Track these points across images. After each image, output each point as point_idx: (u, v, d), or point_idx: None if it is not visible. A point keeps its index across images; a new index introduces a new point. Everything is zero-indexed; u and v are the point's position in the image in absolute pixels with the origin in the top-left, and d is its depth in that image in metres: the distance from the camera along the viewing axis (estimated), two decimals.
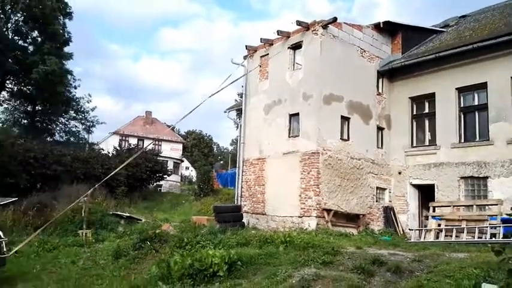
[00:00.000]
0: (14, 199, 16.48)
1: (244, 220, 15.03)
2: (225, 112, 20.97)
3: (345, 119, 14.95)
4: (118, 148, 33.20)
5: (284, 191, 14.70)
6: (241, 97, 20.62)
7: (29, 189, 20.72)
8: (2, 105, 34.53)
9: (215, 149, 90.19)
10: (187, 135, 75.75)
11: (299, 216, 14.01)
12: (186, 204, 25.34)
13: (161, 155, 35.85)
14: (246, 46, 17.59)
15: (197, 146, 76.31)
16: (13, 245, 12.03)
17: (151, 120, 56.24)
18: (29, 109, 34.86)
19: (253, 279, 7.53)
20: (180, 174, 52.71)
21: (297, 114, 14.89)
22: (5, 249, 9.36)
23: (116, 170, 12.60)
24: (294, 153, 14.65)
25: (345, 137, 14.96)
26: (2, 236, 9.68)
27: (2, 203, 15.58)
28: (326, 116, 14.33)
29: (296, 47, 15.50)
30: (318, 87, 14.34)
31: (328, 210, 13.66)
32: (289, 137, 15.10)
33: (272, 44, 16.41)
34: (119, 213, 17.68)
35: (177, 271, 8.05)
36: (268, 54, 16.57)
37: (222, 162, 68.54)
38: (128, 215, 17.63)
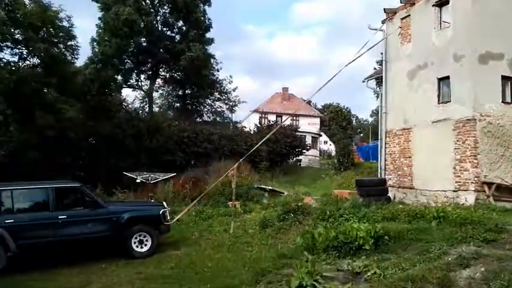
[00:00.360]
0: (173, 174, 18.39)
1: (390, 194, 14.32)
2: (363, 82, 20.00)
3: (507, 79, 13.00)
4: (258, 125, 34.57)
5: (435, 163, 13.55)
6: (381, 65, 19.49)
7: (184, 165, 22.94)
8: (158, 91, 38.55)
9: (354, 121, 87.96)
10: (324, 109, 75.26)
11: (454, 191, 12.79)
12: (326, 178, 25.27)
13: (299, 130, 36.21)
14: (384, 9, 16.46)
15: (334, 120, 75.38)
16: (175, 214, 13.47)
17: (288, 96, 57.09)
18: (180, 93, 38.16)
19: (402, 255, 7.09)
20: (318, 148, 52.83)
21: (447, 77, 13.44)
22: (168, 218, 10.46)
23: (256, 146, 13.10)
24: (445, 121, 13.33)
25: (508, 99, 13.05)
26: (166, 206, 10.83)
27: (164, 177, 17.51)
28: (482, 78, 12.65)
29: (442, 3, 13.90)
30: (471, 45, 12.70)
31: (490, 184, 12.19)
32: (438, 103, 13.75)
33: (414, 4, 15.01)
34: (262, 186, 18.43)
35: (321, 242, 8.03)
36: (409, 15, 15.23)
37: (361, 135, 66.75)
38: (271, 188, 18.27)
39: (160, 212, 10.07)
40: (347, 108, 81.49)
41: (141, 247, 9.59)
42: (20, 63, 19.15)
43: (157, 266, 8.44)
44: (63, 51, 20.29)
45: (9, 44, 18.39)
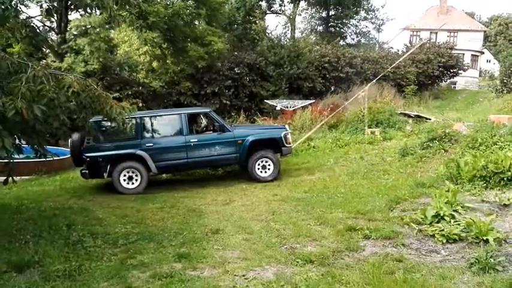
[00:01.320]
0: (312, 101, 18.53)
1: None
2: None
3: None
4: (408, 45, 31.94)
5: None
6: None
7: (324, 92, 22.82)
8: (300, 15, 37.99)
9: None
10: (490, 22, 65.30)
11: None
12: (484, 102, 22.64)
13: (456, 48, 32.46)
14: None
15: (502, 34, 64.85)
16: (311, 141, 13.76)
17: (446, 9, 50.43)
18: (323, 15, 37.02)
19: None
20: (478, 68, 46.89)
21: None
22: (290, 140, 10.68)
23: (394, 64, 12.15)
24: None
25: None
26: (288, 129, 11.02)
27: (303, 105, 17.79)
28: None
29: None
30: None
31: None
32: None
33: None
34: (407, 112, 17.44)
35: (467, 172, 7.43)
36: None
37: None
38: (416, 113, 17.18)
39: (282, 134, 10.31)
40: None
41: (264, 172, 10.04)
42: None
43: (292, 189, 8.84)
44: None
45: None
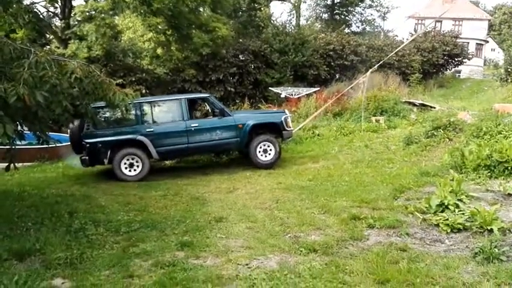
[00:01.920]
0: (316, 89, 18.43)
1: None
2: None
3: None
4: (412, 33, 31.66)
5: None
6: None
7: (328, 79, 22.66)
8: (305, 2, 37.65)
9: None
10: (495, 11, 64.61)
11: None
12: (488, 91, 22.44)
13: (461, 36, 32.16)
14: None
15: (507, 23, 64.15)
16: (315, 129, 13.70)
17: None
18: (328, 3, 36.66)
19: None
20: (483, 57, 46.46)
21: None
22: (290, 124, 10.65)
23: (395, 51, 12.00)
24: None
25: None
26: (287, 113, 10.92)
27: (307, 92, 17.70)
28: None
29: None
30: None
31: None
32: None
33: None
34: (411, 100, 17.32)
35: (472, 161, 7.38)
36: None
37: None
38: (421, 102, 17.07)
39: (282, 118, 10.28)
40: None
41: (265, 156, 10.02)
42: None
43: (296, 177, 8.81)
44: None
45: None
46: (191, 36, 18.93)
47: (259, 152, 9.99)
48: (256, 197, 7.17)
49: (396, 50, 11.72)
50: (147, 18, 17.61)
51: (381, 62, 13.16)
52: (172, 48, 20.00)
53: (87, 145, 9.13)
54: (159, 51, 20.39)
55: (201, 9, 20.29)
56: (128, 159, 9.28)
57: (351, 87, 13.98)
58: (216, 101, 10.45)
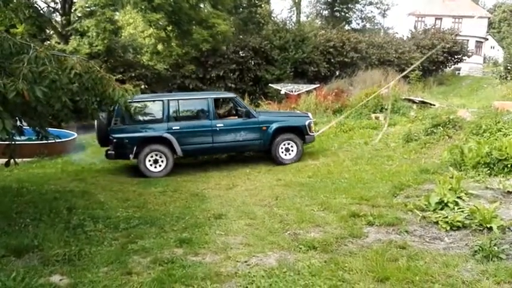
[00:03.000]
0: (316, 86, 18.42)
1: None
2: None
3: None
4: (412, 30, 31.64)
5: None
6: None
7: (328, 76, 22.65)
8: None
9: None
10: (494, 9, 64.56)
11: None
12: (488, 88, 22.41)
13: (461, 34, 32.16)
14: None
15: (506, 20, 64.06)
16: (316, 126, 13.66)
17: None
18: (329, 0, 36.64)
19: None
20: (482, 54, 46.45)
21: None
22: (313, 129, 10.75)
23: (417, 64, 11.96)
24: None
25: None
26: (311, 117, 10.98)
27: (307, 89, 17.67)
28: None
29: None
30: None
31: None
32: None
33: None
34: (411, 97, 17.25)
35: (471, 158, 7.36)
36: None
37: None
38: (421, 99, 17.00)
39: (306, 123, 10.31)
40: None
41: (288, 154, 10.08)
42: None
43: (295, 174, 8.79)
44: None
45: None
46: (191, 32, 18.92)
47: (282, 150, 10.05)
48: (256, 194, 7.17)
49: (423, 59, 11.61)
50: (147, 14, 17.58)
51: (407, 71, 12.94)
52: (172, 44, 19.99)
53: (114, 140, 9.19)
54: (159, 47, 20.40)
55: (202, 5, 20.27)
56: (152, 156, 9.34)
57: (372, 98, 14.05)
58: (241, 102, 10.50)
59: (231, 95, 11.32)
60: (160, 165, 9.34)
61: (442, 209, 5.46)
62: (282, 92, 17.97)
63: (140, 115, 8.87)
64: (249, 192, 7.38)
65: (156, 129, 9.45)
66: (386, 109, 14.25)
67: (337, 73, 23.41)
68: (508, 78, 21.81)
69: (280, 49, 22.39)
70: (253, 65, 21.52)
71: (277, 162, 9.98)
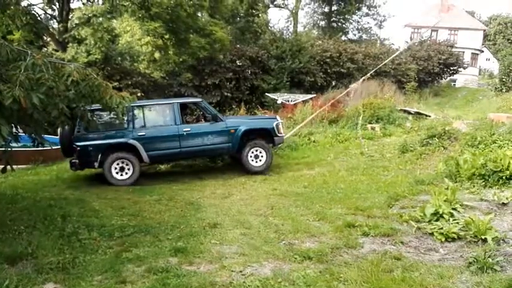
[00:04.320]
0: (313, 96, 18.48)
1: None
2: None
3: None
4: (408, 41, 31.88)
5: None
6: None
7: (325, 86, 22.74)
8: (303, 9, 37.87)
9: None
10: (489, 21, 65.30)
11: None
12: (483, 100, 22.61)
13: (456, 45, 32.43)
14: None
15: (502, 33, 64.91)
16: (311, 135, 13.71)
17: (447, 6, 50.35)
18: (326, 10, 36.91)
19: None
20: (478, 66, 46.84)
21: None
22: (282, 130, 10.68)
23: (382, 64, 12.07)
24: None
25: None
26: (279, 119, 10.96)
27: (304, 99, 17.74)
28: None
29: None
30: None
31: None
32: None
33: None
34: (407, 108, 17.40)
35: (466, 170, 7.38)
36: None
37: None
38: (416, 110, 17.14)
39: (274, 124, 10.31)
40: None
41: (257, 161, 10.06)
42: None
43: (291, 184, 8.80)
44: None
45: None
46: (189, 40, 18.96)
47: (251, 157, 10.03)
48: (251, 203, 7.15)
49: (388, 59, 11.75)
50: (145, 22, 17.63)
51: (374, 70, 13.27)
52: (169, 52, 20.01)
53: (78, 148, 9.03)
54: (156, 55, 20.40)
55: (199, 14, 20.34)
56: (118, 163, 9.21)
57: (346, 94, 14.09)
58: (208, 106, 10.43)
59: (196, 99, 11.31)
60: (126, 173, 9.25)
61: (437, 220, 5.46)
62: (279, 102, 18.03)
63: (96, 125, 8.52)
64: (245, 201, 7.36)
65: (121, 136, 9.33)
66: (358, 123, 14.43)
67: (334, 83, 23.51)
68: (503, 90, 22.02)
69: (277, 59, 22.48)
70: (249, 74, 21.57)
71: (247, 170, 9.97)
